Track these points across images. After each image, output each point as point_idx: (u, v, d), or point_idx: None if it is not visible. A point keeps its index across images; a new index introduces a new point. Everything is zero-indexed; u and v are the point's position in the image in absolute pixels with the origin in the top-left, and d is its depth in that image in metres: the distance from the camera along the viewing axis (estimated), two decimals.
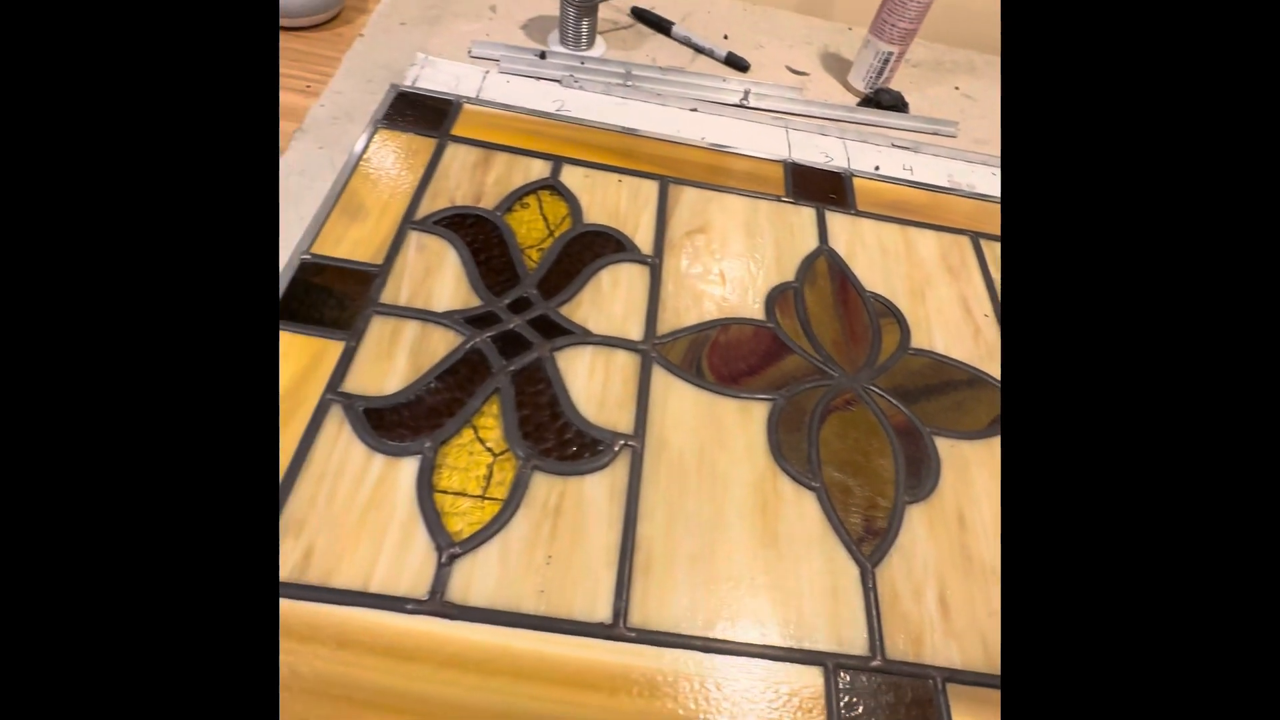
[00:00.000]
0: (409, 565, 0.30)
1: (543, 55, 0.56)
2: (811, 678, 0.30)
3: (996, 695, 0.30)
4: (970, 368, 0.42)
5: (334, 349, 0.36)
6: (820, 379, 0.40)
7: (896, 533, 0.35)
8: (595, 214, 0.46)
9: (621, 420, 0.36)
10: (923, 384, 0.41)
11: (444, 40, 0.57)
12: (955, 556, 0.34)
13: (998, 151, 0.61)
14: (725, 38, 0.64)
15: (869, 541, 0.34)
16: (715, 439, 0.36)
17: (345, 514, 0.31)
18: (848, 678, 0.30)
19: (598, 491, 0.33)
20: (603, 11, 0.63)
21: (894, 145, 0.57)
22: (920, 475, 0.37)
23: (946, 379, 0.42)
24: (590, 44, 0.59)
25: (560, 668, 0.28)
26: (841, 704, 0.29)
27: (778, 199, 0.50)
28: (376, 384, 0.35)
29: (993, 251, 0.50)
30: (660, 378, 0.38)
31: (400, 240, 0.41)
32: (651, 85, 0.56)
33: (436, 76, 0.52)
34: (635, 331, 0.40)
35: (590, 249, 0.43)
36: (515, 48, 0.57)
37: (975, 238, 0.51)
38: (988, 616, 0.32)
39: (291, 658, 0.27)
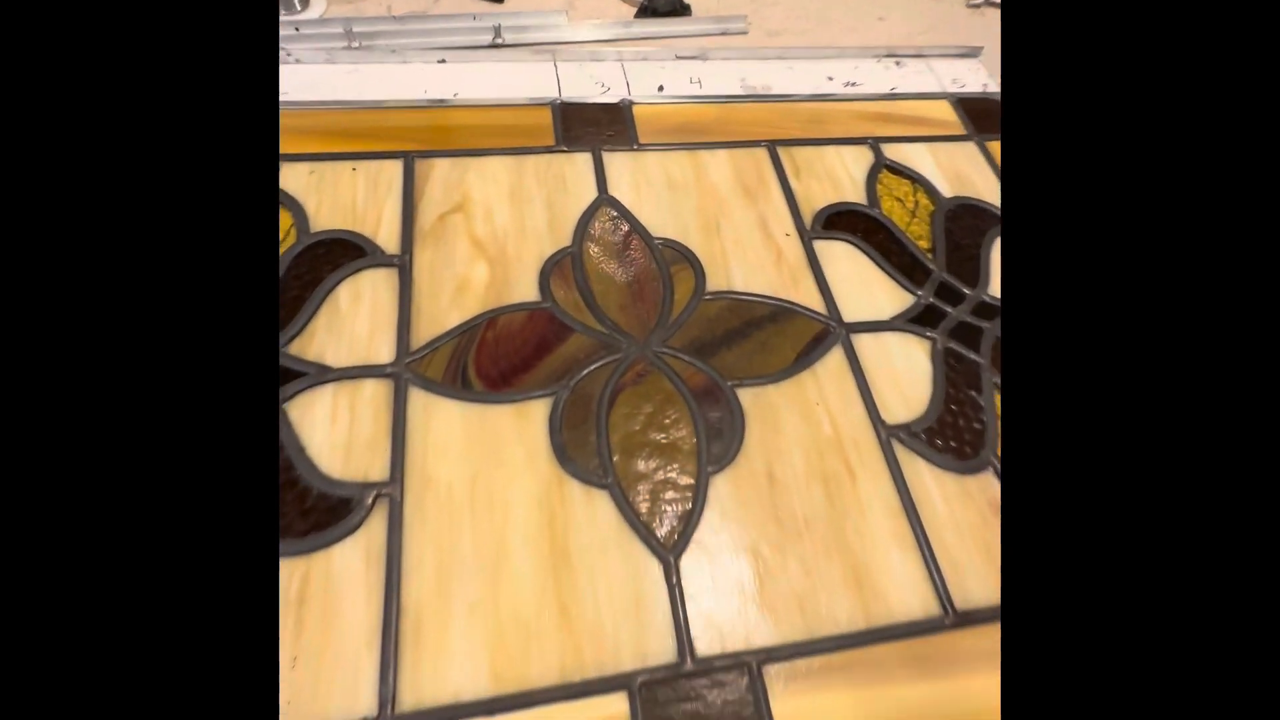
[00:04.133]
0: None
1: None
2: (616, 706, 0.27)
3: (816, 662, 0.29)
4: (772, 300, 0.39)
5: None
6: (607, 354, 0.36)
7: (701, 510, 0.32)
8: (326, 217, 0.39)
9: (374, 466, 0.31)
10: (721, 331, 0.37)
11: None
12: (766, 520, 0.32)
13: (794, 41, 0.56)
14: None
15: (670, 530, 0.31)
16: (490, 458, 0.32)
17: None
18: (654, 695, 0.27)
19: (350, 560, 0.29)
20: None
21: (679, 57, 0.51)
22: (724, 437, 0.34)
23: (747, 318, 0.38)
24: (305, 2, 0.49)
25: None
26: None
27: (547, 150, 0.44)
28: None
29: (791, 159, 0.46)
30: (419, 401, 0.33)
31: None
32: (386, 41, 0.48)
33: None
34: (385, 352, 0.34)
35: (321, 264, 0.37)
36: None
37: (772, 147, 0.46)
38: (803, 575, 0.30)
39: None
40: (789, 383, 0.36)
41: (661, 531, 0.31)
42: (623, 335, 0.36)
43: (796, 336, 0.38)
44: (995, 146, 0.49)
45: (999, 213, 0.45)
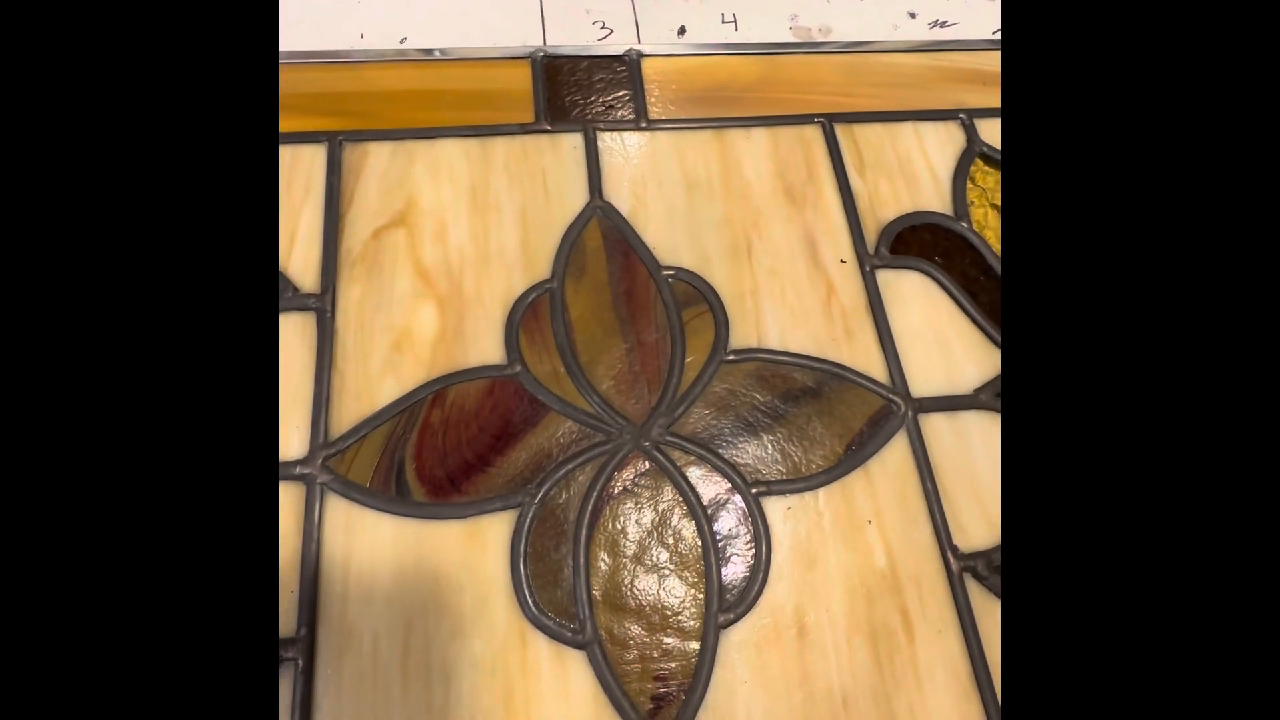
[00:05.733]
0: None
1: None
2: None
3: None
4: (818, 362, 0.29)
5: None
6: (592, 445, 0.27)
7: (706, 680, 0.24)
8: None
9: (280, 618, 0.24)
10: (747, 409, 0.28)
11: None
12: (792, 690, 0.24)
13: None
14: None
15: (667, 707, 0.24)
16: (430, 602, 0.24)
17: None
18: None
19: None
20: None
21: None
22: (743, 571, 0.26)
23: (782, 390, 0.29)
24: None
25: None
26: None
27: (523, 130, 0.33)
28: None
29: (854, 143, 0.34)
30: (339, 516, 0.25)
31: None
32: None
33: None
34: (294, 443, 0.26)
35: None
36: None
37: (829, 123, 0.34)
38: None
39: None
40: (833, 488, 0.27)
41: (652, 712, 0.24)
42: (614, 416, 0.27)
43: (847, 418, 0.28)
44: None
45: None
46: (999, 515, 0.27)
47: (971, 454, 0.28)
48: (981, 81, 0.37)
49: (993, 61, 0.38)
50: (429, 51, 0.34)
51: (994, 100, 0.36)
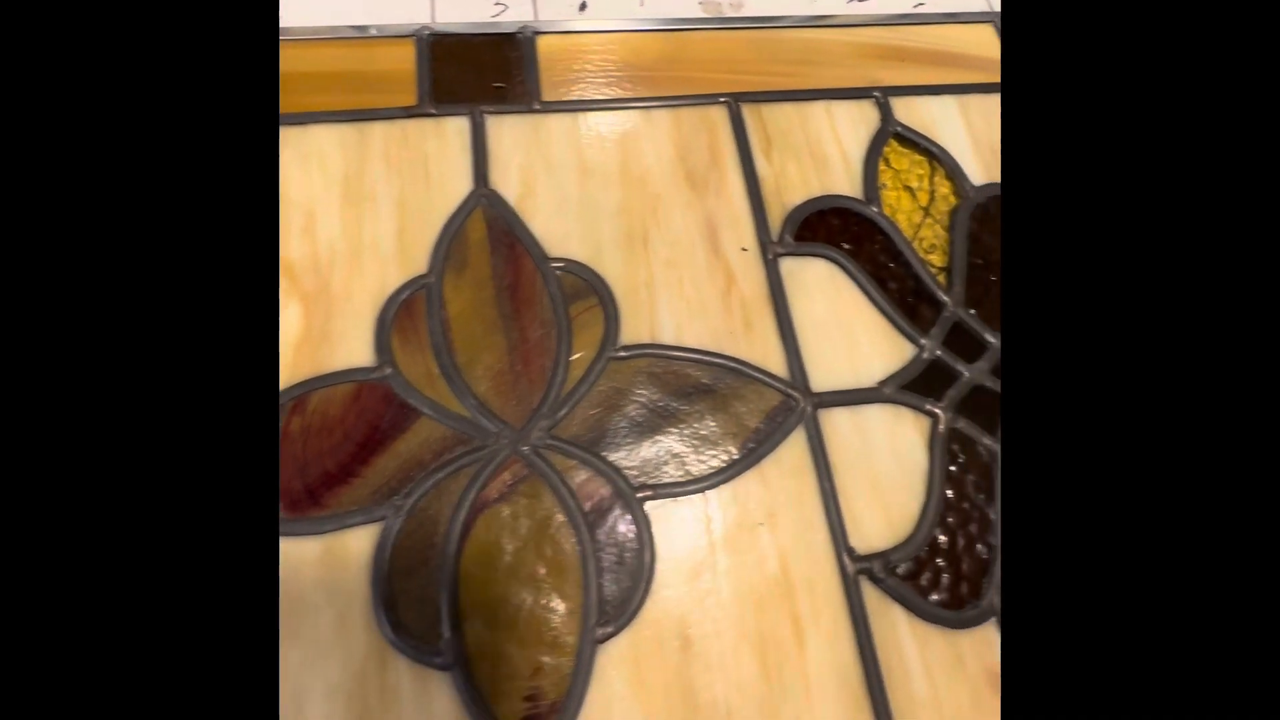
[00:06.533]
0: None
1: None
2: None
3: None
4: (714, 357, 0.28)
5: None
6: (467, 451, 0.25)
7: (580, 699, 0.23)
8: None
9: None
10: (636, 409, 0.26)
11: None
12: (673, 705, 0.23)
13: None
14: None
15: None
16: (284, 622, 0.23)
17: None
18: None
19: None
20: None
21: None
22: (624, 581, 0.24)
23: (675, 388, 0.27)
24: None
25: None
26: None
27: (405, 114, 0.30)
28: None
29: (762, 124, 0.32)
30: None
31: None
32: None
33: None
34: None
35: None
36: None
37: (735, 103, 0.33)
38: None
39: None
40: (724, 490, 0.26)
41: None
42: (492, 420, 0.26)
43: (742, 416, 0.27)
44: None
45: None
46: (899, 513, 0.26)
47: (873, 450, 0.27)
48: (899, 58, 0.35)
49: (913, 37, 0.36)
50: (302, 30, 0.31)
51: (912, 77, 0.35)
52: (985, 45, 0.36)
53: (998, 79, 0.35)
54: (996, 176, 0.33)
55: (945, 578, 0.25)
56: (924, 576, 0.25)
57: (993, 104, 0.34)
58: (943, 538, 0.26)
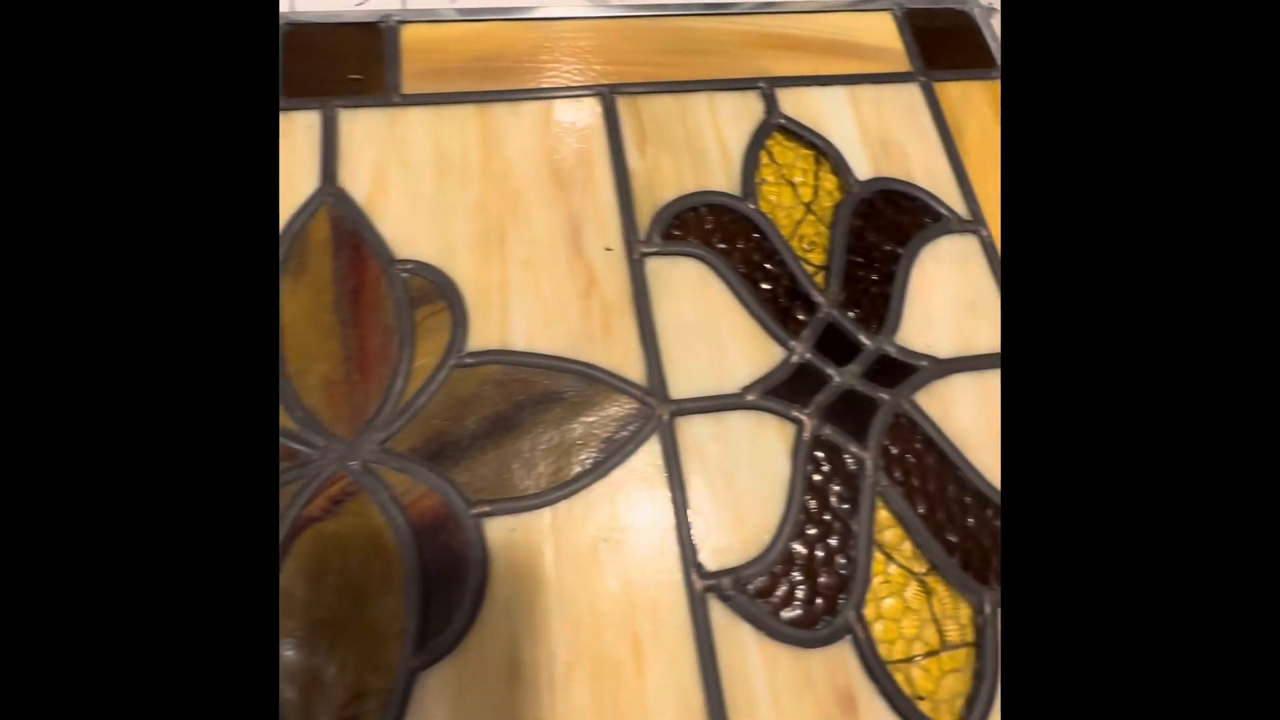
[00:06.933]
0: None
1: None
2: None
3: None
4: (568, 364, 0.26)
5: None
6: (292, 466, 0.24)
7: None
8: None
9: None
10: (478, 420, 0.25)
11: None
12: None
13: None
14: None
15: None
16: None
17: None
18: None
19: None
20: None
21: None
22: (449, 604, 0.23)
23: (521, 397, 0.26)
24: None
25: None
26: None
27: None
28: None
29: (638, 117, 0.30)
30: None
31: None
32: None
33: None
34: None
35: None
36: None
37: (610, 95, 0.31)
38: None
39: None
40: (568, 505, 0.24)
41: None
42: (321, 433, 0.24)
43: (593, 425, 0.25)
44: (953, 91, 0.34)
45: (938, 208, 0.31)
46: (756, 526, 0.25)
47: (732, 460, 0.25)
48: (789, 47, 0.34)
49: (807, 25, 0.35)
50: None
51: (802, 67, 0.33)
52: (883, 34, 0.35)
53: (893, 69, 0.34)
54: (884, 170, 0.31)
55: (801, 593, 0.24)
56: (778, 593, 0.24)
57: (885, 95, 0.33)
58: (801, 550, 0.25)
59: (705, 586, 0.23)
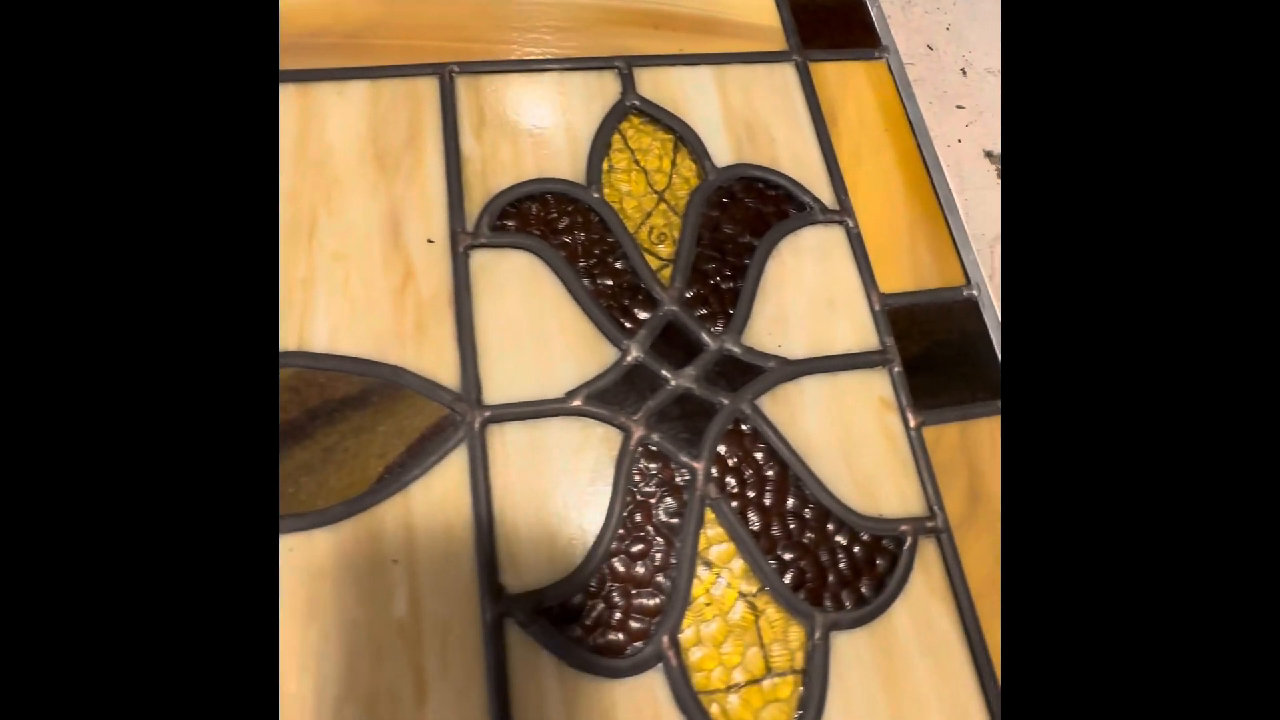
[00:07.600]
0: None
1: None
2: None
3: None
4: (371, 365, 0.24)
5: None
6: None
7: None
8: None
9: None
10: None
11: None
12: None
13: None
14: None
15: None
16: None
17: None
18: None
19: None
20: None
21: None
22: None
23: (316, 403, 0.24)
24: None
25: None
26: None
27: None
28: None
29: (477, 97, 0.28)
30: None
31: None
32: None
33: None
34: None
35: None
36: None
37: (450, 74, 0.29)
38: None
39: None
40: (354, 522, 0.22)
41: None
42: None
43: (392, 434, 0.23)
44: (830, 72, 0.32)
45: (803, 197, 0.29)
46: (569, 543, 0.23)
47: (549, 470, 0.23)
48: (653, 24, 0.31)
49: (678, 1, 0.32)
50: None
51: (668, 46, 0.31)
52: (758, 10, 0.33)
53: (767, 48, 0.32)
54: (746, 156, 0.29)
55: (614, 617, 0.22)
56: (586, 617, 0.22)
57: (755, 75, 0.31)
58: (619, 569, 0.23)
59: (499, 613, 0.22)
